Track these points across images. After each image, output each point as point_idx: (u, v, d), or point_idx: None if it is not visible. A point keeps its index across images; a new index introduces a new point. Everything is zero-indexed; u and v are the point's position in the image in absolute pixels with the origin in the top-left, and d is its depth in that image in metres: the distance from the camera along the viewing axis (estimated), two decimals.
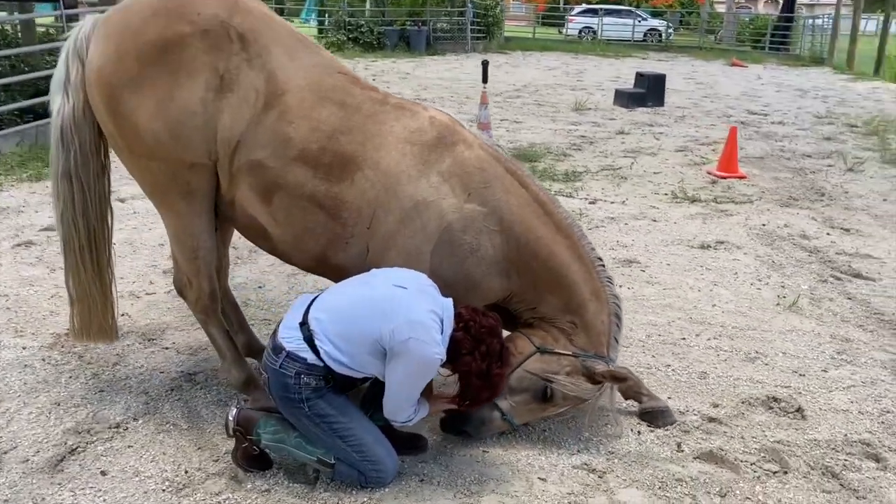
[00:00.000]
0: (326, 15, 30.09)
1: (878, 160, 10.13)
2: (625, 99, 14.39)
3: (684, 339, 4.62)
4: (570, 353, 3.35)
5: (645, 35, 36.78)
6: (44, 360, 4.02)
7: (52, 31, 12.34)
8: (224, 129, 3.05)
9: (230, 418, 3.11)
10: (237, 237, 3.89)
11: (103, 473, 3.14)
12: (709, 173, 9.03)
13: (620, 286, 5.04)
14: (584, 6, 42.26)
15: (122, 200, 6.75)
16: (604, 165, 9.35)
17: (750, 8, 58.98)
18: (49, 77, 3.38)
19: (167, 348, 4.25)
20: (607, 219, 7.07)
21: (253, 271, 5.46)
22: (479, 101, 10.66)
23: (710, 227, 6.91)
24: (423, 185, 3.19)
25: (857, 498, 3.17)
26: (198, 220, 3.25)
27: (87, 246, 3.35)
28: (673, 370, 4.20)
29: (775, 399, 3.90)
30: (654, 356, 4.36)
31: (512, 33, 34.93)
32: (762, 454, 3.43)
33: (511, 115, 13.11)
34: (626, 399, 3.70)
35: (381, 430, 3.12)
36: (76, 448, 3.29)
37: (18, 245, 5.74)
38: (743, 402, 3.88)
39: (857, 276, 5.81)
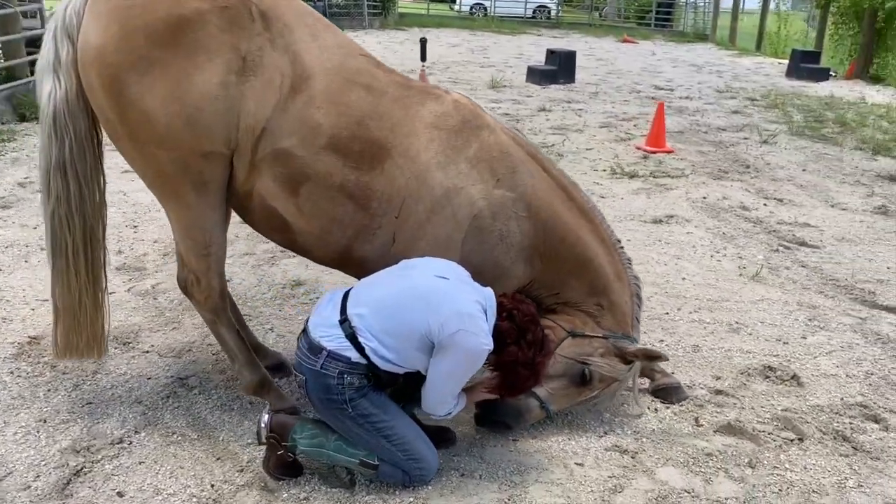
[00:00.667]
0: None
1: (787, 132, 10.69)
2: (538, 76, 14.54)
3: (667, 313, 4.71)
4: (600, 335, 3.34)
5: (534, 12, 37.22)
6: (12, 373, 3.63)
7: None
8: (248, 116, 2.80)
9: (262, 425, 2.90)
10: None
11: (120, 495, 2.87)
12: (638, 148, 9.25)
13: None
14: None
15: None
16: (536, 143, 9.41)
17: None
18: None
19: (147, 352, 3.94)
20: None
21: None
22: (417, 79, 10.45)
23: (656, 202, 7.09)
24: (453, 171, 3.07)
25: (871, 459, 3.32)
26: (211, 213, 2.99)
27: (83, 247, 3.02)
28: (667, 345, 4.27)
29: (770, 368, 4.04)
30: (645, 332, 4.40)
31: (406, 9, 34.59)
32: (775, 423, 3.55)
33: None
34: (642, 377, 3.73)
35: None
36: (81, 469, 3.00)
37: None
38: (742, 373, 4.00)
39: (803, 244, 6.10)
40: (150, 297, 4.57)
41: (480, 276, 3.09)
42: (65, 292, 3.11)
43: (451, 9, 39.42)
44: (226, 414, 3.42)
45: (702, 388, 3.83)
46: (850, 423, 3.58)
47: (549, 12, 37.56)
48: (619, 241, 3.50)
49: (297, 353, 2.92)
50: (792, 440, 3.43)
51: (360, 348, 2.76)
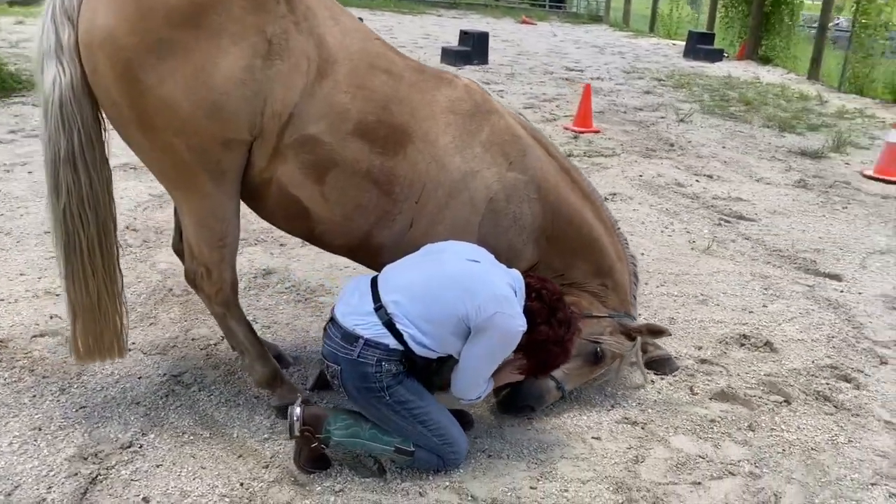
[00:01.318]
0: None
1: (700, 111, 11.19)
2: (452, 57, 14.55)
3: None
4: (606, 314, 3.43)
5: None
6: None
7: None
8: (275, 101, 2.69)
9: (295, 419, 2.82)
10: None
11: (146, 500, 2.74)
12: (566, 129, 9.46)
13: None
14: None
15: None
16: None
17: None
18: None
19: (129, 350, 3.73)
20: None
21: None
22: None
23: (596, 180, 7.27)
24: (469, 155, 3.07)
25: (853, 416, 3.59)
26: (228, 202, 2.87)
27: (98, 243, 2.82)
28: (645, 319, 4.43)
29: (744, 336, 4.27)
30: None
31: None
32: (762, 388, 3.76)
33: None
34: None
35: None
36: (96, 476, 2.83)
37: None
38: (720, 342, 4.21)
39: (741, 217, 6.45)
40: None
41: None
42: (82, 292, 2.91)
43: None
44: (233, 410, 3.31)
45: (688, 358, 4.01)
46: (827, 384, 3.84)
47: None
48: (617, 222, 3.61)
49: (326, 342, 2.85)
50: (780, 403, 3.65)
51: (397, 335, 2.74)
